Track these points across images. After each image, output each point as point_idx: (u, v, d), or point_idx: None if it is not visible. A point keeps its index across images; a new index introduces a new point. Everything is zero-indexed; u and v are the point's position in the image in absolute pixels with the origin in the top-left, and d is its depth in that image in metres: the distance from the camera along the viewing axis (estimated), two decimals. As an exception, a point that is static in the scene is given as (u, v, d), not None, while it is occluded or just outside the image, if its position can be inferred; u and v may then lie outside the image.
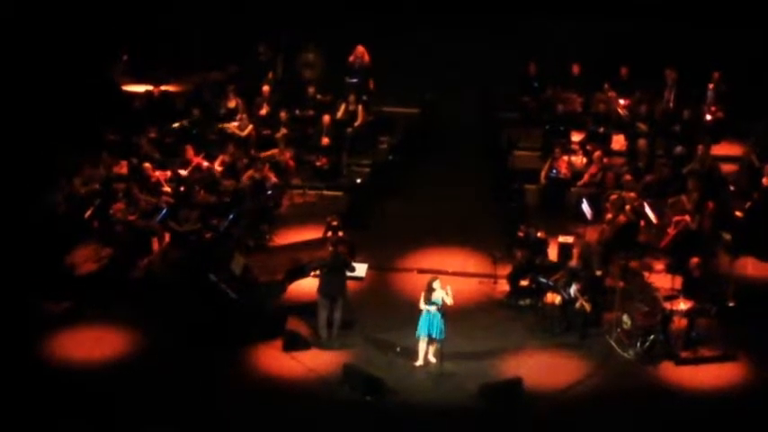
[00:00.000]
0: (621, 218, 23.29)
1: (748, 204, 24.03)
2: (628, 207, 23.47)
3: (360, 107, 28.38)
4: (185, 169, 25.47)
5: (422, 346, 20.17)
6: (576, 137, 27.83)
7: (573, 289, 21.06)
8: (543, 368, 20.28)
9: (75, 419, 18.77)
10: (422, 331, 19.96)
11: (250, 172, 25.56)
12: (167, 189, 24.86)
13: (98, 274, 22.75)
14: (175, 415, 18.89)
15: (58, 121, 26.66)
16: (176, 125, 27.62)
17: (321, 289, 21.00)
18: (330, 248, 21.29)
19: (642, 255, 23.11)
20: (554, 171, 25.90)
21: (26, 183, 24.90)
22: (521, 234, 23.00)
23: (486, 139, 28.77)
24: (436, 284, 19.80)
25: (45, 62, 27.86)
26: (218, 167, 25.84)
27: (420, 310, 19.88)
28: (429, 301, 19.76)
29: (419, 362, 20.24)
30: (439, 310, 19.69)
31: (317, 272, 21.29)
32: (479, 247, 24.05)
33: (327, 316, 20.95)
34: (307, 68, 30.31)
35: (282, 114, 27.89)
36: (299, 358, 20.56)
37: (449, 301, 19.76)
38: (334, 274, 21.00)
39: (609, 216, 23.46)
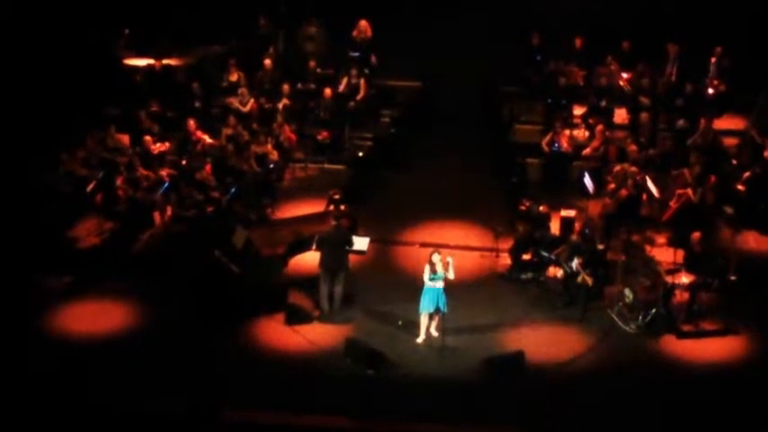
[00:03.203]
0: (623, 191, 23.29)
1: (747, 174, 24.02)
2: (630, 181, 23.46)
3: (362, 81, 28.32)
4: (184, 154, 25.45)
5: (423, 321, 20.17)
6: (579, 110, 27.78)
7: (575, 263, 21.06)
8: (545, 342, 20.31)
9: (78, 393, 18.82)
10: (424, 307, 19.98)
11: (253, 147, 25.56)
12: (168, 170, 24.77)
13: (100, 247, 22.77)
14: (178, 388, 18.92)
15: (59, 95, 26.61)
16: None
17: (322, 263, 21.00)
18: (333, 222, 21.27)
19: (644, 228, 23.12)
20: (556, 145, 25.88)
21: (28, 157, 24.88)
22: (523, 208, 23.01)
23: (488, 113, 28.73)
24: (435, 258, 19.76)
25: (47, 37, 27.80)
26: (226, 143, 25.76)
27: (422, 285, 19.90)
28: (432, 276, 19.77)
29: (421, 338, 20.26)
30: (441, 284, 19.71)
31: (319, 245, 21.28)
32: (481, 221, 24.07)
33: (329, 289, 20.97)
34: (308, 42, 30.25)
35: (285, 86, 27.86)
36: (301, 332, 20.60)
37: (450, 275, 19.74)
38: (335, 249, 20.98)
39: (611, 188, 23.48)
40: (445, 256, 19.82)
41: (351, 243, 21.21)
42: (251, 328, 20.71)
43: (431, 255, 19.89)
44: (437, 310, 19.88)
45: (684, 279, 20.56)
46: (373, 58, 29.36)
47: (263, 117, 27.42)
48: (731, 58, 27.86)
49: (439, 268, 19.70)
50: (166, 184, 23.85)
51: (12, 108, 26.16)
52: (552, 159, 25.93)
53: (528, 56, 29.17)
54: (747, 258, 22.63)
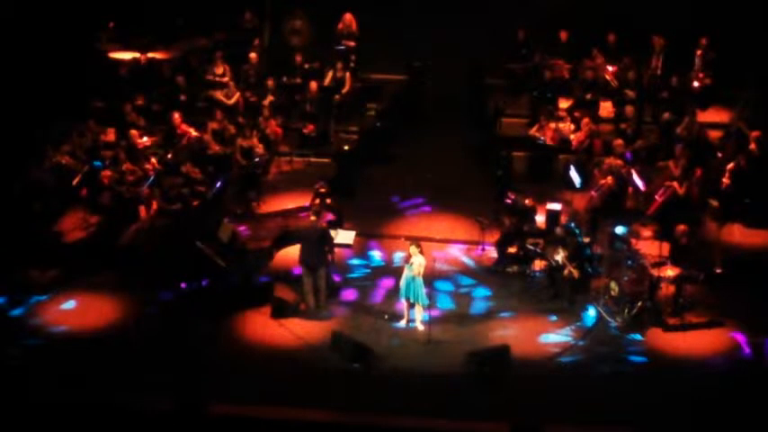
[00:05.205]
0: (608, 184, 23.28)
1: (731, 165, 24.05)
2: (615, 174, 23.45)
3: (347, 74, 28.31)
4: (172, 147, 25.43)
5: (403, 307, 20.45)
6: (564, 104, 27.79)
7: (560, 256, 21.07)
8: (531, 335, 20.33)
9: (63, 387, 18.77)
10: (399, 293, 20.21)
11: (239, 141, 25.55)
12: (154, 161, 24.71)
13: (86, 241, 22.73)
14: (163, 383, 18.88)
15: (44, 89, 26.51)
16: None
17: (301, 258, 20.94)
18: (312, 218, 21.23)
19: (630, 221, 23.13)
20: (541, 139, 25.92)
21: (13, 152, 24.80)
22: (508, 201, 23.02)
23: (474, 106, 28.73)
24: (413, 250, 19.97)
25: (31, 31, 27.69)
26: (207, 137, 25.74)
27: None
28: (408, 266, 19.92)
29: (401, 322, 20.44)
30: (414, 275, 19.84)
31: (296, 241, 21.23)
32: (467, 214, 24.06)
33: (313, 284, 20.91)
34: (294, 36, 30.22)
35: (270, 82, 27.86)
36: (287, 325, 20.58)
37: (418, 271, 19.88)
38: (312, 245, 20.84)
39: (599, 181, 23.52)
40: (427, 252, 19.95)
41: (328, 240, 21.15)
42: (237, 321, 20.69)
43: (410, 246, 20.08)
44: (410, 300, 20.08)
45: (670, 272, 20.57)
46: (353, 56, 29.33)
47: (249, 111, 27.40)
48: (716, 51, 27.91)
49: (414, 259, 19.87)
50: (152, 178, 23.79)
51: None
52: (538, 152, 25.93)
53: (514, 50, 29.17)
54: (732, 251, 22.67)
